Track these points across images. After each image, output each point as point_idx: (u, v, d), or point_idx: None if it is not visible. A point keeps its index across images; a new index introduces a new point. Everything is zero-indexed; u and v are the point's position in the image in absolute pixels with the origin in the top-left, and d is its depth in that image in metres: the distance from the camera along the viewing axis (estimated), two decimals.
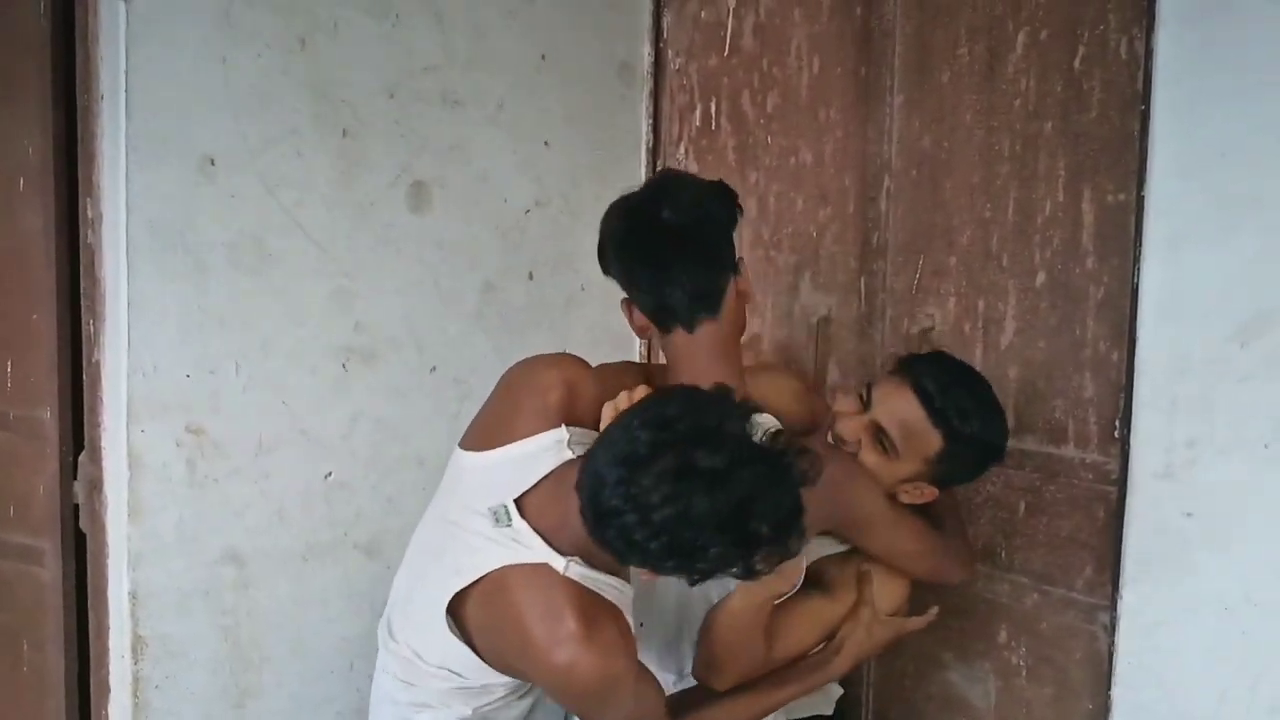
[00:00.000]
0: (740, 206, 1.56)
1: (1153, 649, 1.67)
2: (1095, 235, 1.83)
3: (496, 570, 1.37)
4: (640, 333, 1.60)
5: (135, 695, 1.95)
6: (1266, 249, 1.53)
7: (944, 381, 1.56)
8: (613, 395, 1.45)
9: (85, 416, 1.98)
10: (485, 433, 1.49)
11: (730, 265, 1.55)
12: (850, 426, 1.59)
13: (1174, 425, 1.63)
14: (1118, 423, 1.79)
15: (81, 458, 2.02)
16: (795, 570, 1.48)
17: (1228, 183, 1.56)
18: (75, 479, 2.04)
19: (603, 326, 2.50)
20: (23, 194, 1.99)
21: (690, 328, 1.53)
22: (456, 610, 1.41)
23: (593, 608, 1.34)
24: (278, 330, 2.05)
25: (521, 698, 1.52)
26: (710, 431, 1.17)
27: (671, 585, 1.59)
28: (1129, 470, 1.68)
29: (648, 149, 2.53)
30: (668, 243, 1.49)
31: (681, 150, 2.50)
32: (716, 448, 1.16)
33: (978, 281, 2.01)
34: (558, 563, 1.34)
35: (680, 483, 1.15)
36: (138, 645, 1.93)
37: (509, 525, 1.36)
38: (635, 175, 2.54)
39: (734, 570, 1.23)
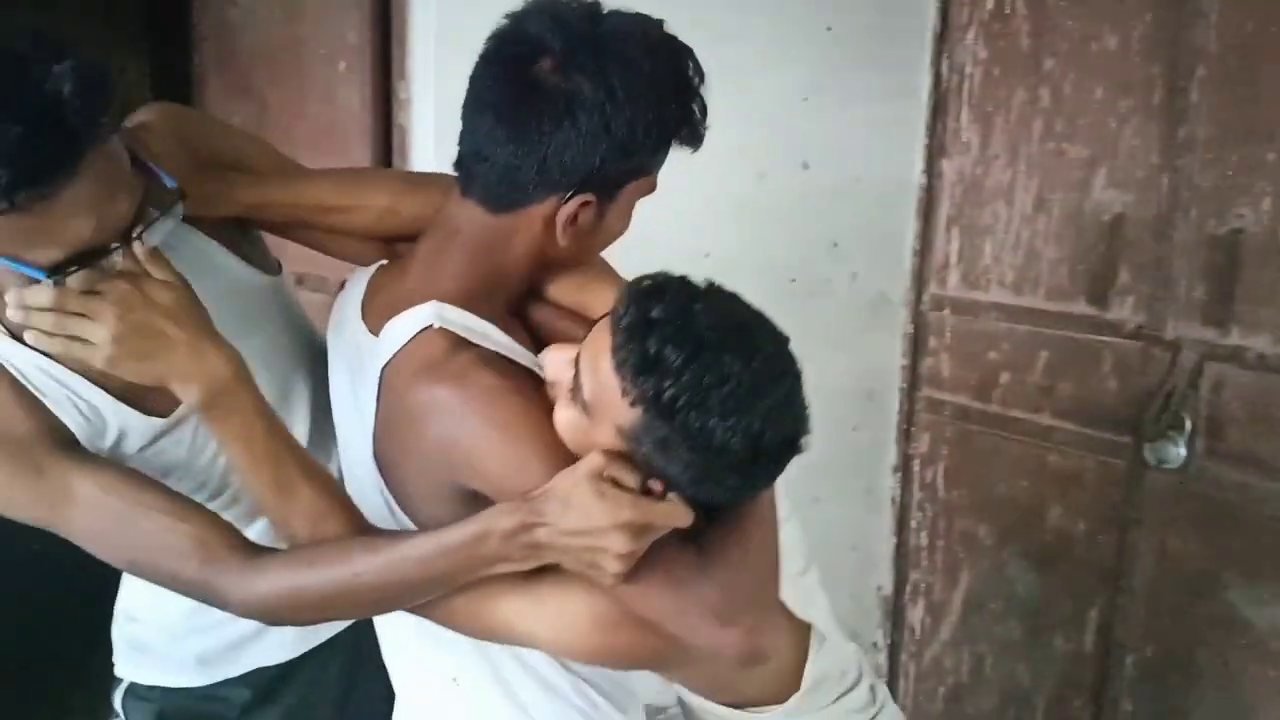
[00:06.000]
0: (694, 127, 1.07)
1: None
2: None
3: None
4: None
5: None
6: None
7: (648, 321, 0.94)
8: None
9: None
10: None
11: (548, 178, 1.03)
12: (550, 359, 1.06)
13: None
14: None
15: None
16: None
17: None
18: None
19: (873, 219, 2.47)
20: (342, 75, 2.15)
21: (463, 192, 1.09)
22: None
23: None
24: None
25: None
26: None
27: None
28: None
29: (934, 35, 2.42)
30: (524, 95, 1.02)
31: (970, 35, 2.38)
32: None
33: None
34: None
35: None
36: None
37: None
38: (918, 63, 2.45)
39: None
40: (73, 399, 1.09)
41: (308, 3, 2.19)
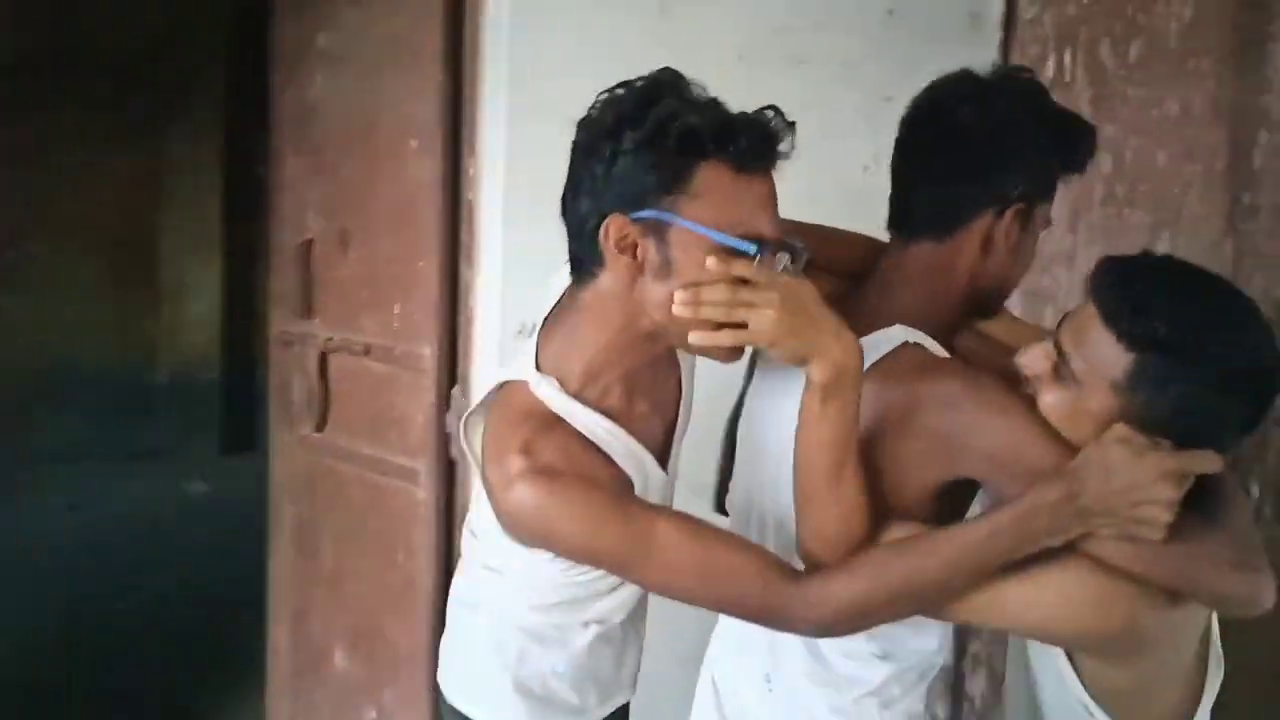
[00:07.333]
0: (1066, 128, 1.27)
1: None
2: None
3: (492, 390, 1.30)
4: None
5: None
6: None
7: (1128, 275, 1.11)
8: None
9: (459, 355, 2.19)
10: None
11: (987, 195, 1.24)
12: (1028, 355, 1.18)
13: None
14: None
15: (455, 391, 2.23)
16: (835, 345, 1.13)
17: None
18: (449, 410, 2.26)
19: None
20: (414, 152, 2.21)
21: (906, 235, 1.31)
22: None
23: (543, 428, 1.19)
24: None
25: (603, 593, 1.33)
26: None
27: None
28: None
29: None
30: (957, 136, 1.26)
31: None
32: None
33: None
34: (532, 378, 1.23)
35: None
36: None
37: (531, 337, 1.30)
38: None
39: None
40: (629, 453, 1.25)
41: (383, 84, 2.27)
